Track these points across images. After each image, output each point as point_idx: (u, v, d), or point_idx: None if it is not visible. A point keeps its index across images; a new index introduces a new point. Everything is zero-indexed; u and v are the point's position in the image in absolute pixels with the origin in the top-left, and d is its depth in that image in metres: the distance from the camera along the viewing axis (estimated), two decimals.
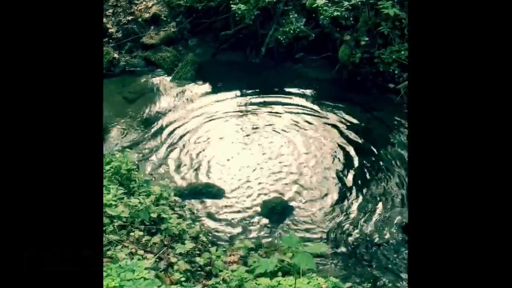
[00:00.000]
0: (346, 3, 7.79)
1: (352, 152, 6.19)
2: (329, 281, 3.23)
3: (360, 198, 5.49)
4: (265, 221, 5.15)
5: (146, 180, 4.52)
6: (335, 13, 7.72)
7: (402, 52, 7.21)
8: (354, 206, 5.37)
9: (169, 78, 8.12)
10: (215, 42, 8.81)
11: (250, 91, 7.64)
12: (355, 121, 6.83)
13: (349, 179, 5.77)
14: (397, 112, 6.89)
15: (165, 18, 9.16)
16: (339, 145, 6.32)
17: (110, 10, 9.24)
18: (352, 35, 7.75)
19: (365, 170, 5.91)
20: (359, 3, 7.75)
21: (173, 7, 9.18)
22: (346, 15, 7.80)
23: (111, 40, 8.79)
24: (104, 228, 3.33)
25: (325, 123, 6.77)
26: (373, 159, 6.09)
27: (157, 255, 3.37)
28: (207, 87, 7.87)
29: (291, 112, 7.03)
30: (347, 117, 6.92)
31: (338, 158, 6.09)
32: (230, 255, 4.03)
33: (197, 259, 3.60)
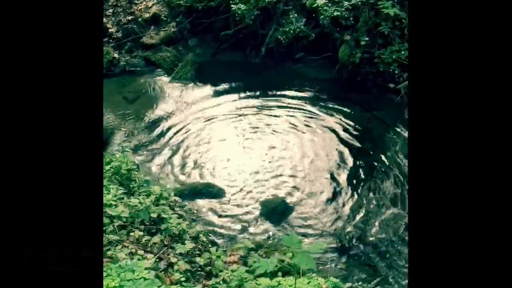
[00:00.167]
0: (346, 3, 7.79)
1: (352, 153, 6.19)
2: (329, 281, 3.23)
3: (360, 198, 5.49)
4: (265, 221, 5.15)
5: (146, 180, 4.52)
6: (335, 13, 7.71)
7: (402, 52, 7.21)
8: (354, 207, 5.37)
9: (169, 78, 8.12)
10: (215, 42, 8.80)
11: (250, 91, 7.63)
12: (355, 121, 6.83)
13: (349, 179, 5.76)
14: (397, 112, 6.89)
15: (165, 18, 9.16)
16: (339, 146, 6.32)
17: (110, 10, 9.23)
18: (352, 35, 7.75)
19: (365, 170, 5.90)
20: (359, 3, 7.74)
21: (173, 7, 9.17)
22: (346, 15, 7.80)
23: (111, 40, 8.79)
24: (104, 228, 3.33)
25: (325, 125, 6.77)
26: (373, 159, 6.08)
27: (157, 255, 3.37)
28: (207, 87, 7.87)
29: (290, 113, 7.02)
30: (347, 117, 6.92)
31: (338, 159, 6.09)
32: (230, 255, 4.02)
33: (197, 259, 3.60)
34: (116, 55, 8.46)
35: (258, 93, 7.58)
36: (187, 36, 9.08)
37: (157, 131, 6.71)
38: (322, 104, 7.25)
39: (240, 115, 7.00)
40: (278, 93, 7.56)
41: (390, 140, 6.44)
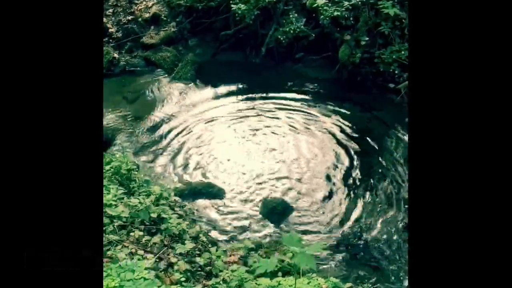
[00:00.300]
0: (346, 3, 7.79)
1: (351, 153, 6.19)
2: (329, 281, 3.22)
3: (360, 198, 5.49)
4: (265, 221, 5.15)
5: (146, 180, 4.52)
6: (335, 13, 7.71)
7: (403, 52, 7.21)
8: (354, 207, 5.37)
9: (169, 78, 8.12)
10: (215, 42, 8.80)
11: (250, 91, 7.63)
12: (355, 121, 6.83)
13: (349, 180, 5.77)
14: (397, 112, 6.89)
15: (165, 18, 9.16)
16: (338, 147, 6.32)
17: (110, 10, 9.23)
18: (352, 35, 7.75)
19: (365, 171, 5.90)
20: (359, 3, 7.74)
21: (173, 7, 9.17)
22: (346, 15, 7.80)
23: (111, 40, 8.79)
24: (104, 228, 3.33)
25: (325, 125, 6.76)
26: (373, 159, 6.08)
27: (157, 255, 3.37)
28: (207, 87, 7.87)
29: (290, 114, 7.02)
30: (347, 117, 6.92)
31: (337, 160, 6.09)
32: (230, 255, 4.02)
33: (197, 259, 3.60)
34: (116, 55, 8.46)
35: (258, 93, 7.58)
36: (187, 36, 9.08)
37: (157, 131, 6.71)
38: (322, 104, 7.25)
39: (240, 116, 6.99)
40: (278, 93, 7.56)
41: (390, 140, 6.43)
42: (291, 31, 8.14)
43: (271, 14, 8.40)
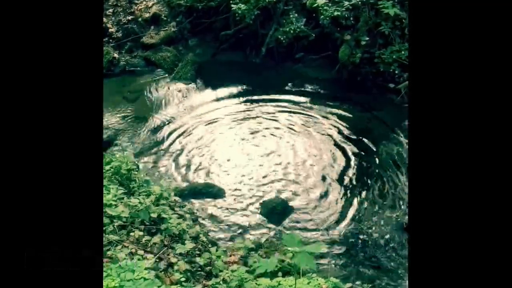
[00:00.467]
0: (346, 3, 7.79)
1: (352, 153, 6.19)
2: (329, 281, 3.22)
3: (360, 198, 5.49)
4: (265, 221, 5.15)
5: (146, 180, 4.52)
6: (336, 13, 7.71)
7: (403, 52, 7.21)
8: (354, 207, 5.37)
9: (169, 78, 8.12)
10: (215, 42, 8.80)
11: (250, 91, 7.63)
12: (355, 121, 6.83)
13: (348, 180, 5.77)
14: (397, 112, 6.89)
15: (165, 18, 9.16)
16: (338, 147, 6.31)
17: (110, 10, 9.23)
18: (352, 35, 7.75)
19: (364, 171, 5.90)
20: (360, 3, 7.74)
21: (173, 7, 9.17)
22: (346, 15, 7.80)
23: (111, 40, 8.79)
24: (104, 228, 3.33)
25: (325, 126, 6.76)
26: (373, 160, 6.08)
27: (157, 255, 3.37)
28: (207, 87, 7.87)
29: (290, 114, 7.02)
30: (347, 117, 6.92)
31: (337, 160, 6.08)
32: (230, 255, 4.02)
33: (197, 259, 3.60)
34: (116, 55, 8.46)
35: (258, 93, 7.58)
36: (187, 36, 9.08)
37: (157, 132, 6.71)
38: (322, 104, 7.25)
39: (240, 117, 6.99)
40: (278, 93, 7.56)
41: (390, 140, 6.43)
42: (291, 31, 8.14)
43: (271, 14, 8.41)
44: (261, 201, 5.39)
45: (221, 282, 3.31)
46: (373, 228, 5.07)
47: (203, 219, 5.14)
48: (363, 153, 6.18)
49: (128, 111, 7.21)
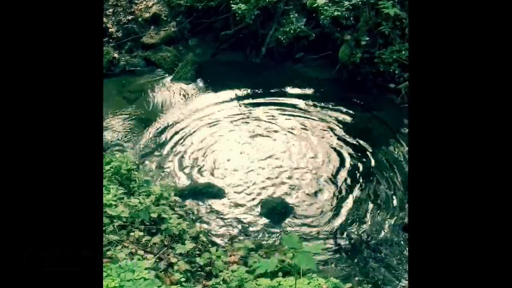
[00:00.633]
0: (346, 3, 7.79)
1: (351, 153, 6.19)
2: (329, 281, 3.22)
3: (360, 199, 5.49)
4: (265, 221, 5.15)
5: (146, 180, 4.52)
6: (336, 13, 7.71)
7: (403, 52, 7.20)
8: (354, 207, 5.36)
9: (169, 78, 8.12)
10: (215, 42, 8.80)
11: (250, 92, 7.63)
12: (355, 121, 6.83)
13: (349, 180, 5.76)
14: (397, 112, 6.89)
15: (165, 18, 9.16)
16: (338, 147, 6.31)
17: (110, 10, 9.23)
18: (352, 35, 7.75)
19: (365, 171, 5.90)
20: (360, 3, 7.74)
21: (173, 6, 9.17)
22: (346, 15, 7.80)
23: (111, 40, 8.79)
24: (104, 228, 3.33)
25: (325, 125, 6.75)
26: (373, 160, 6.08)
27: (157, 255, 3.37)
28: (207, 87, 7.87)
29: (290, 114, 7.02)
30: (347, 117, 6.92)
31: (337, 160, 6.08)
32: (230, 256, 4.02)
33: (197, 259, 3.60)
34: (116, 55, 8.46)
35: (258, 93, 7.58)
36: (187, 36, 9.08)
37: (157, 132, 6.70)
38: (323, 104, 7.24)
39: (240, 117, 6.99)
40: (278, 93, 7.55)
41: (390, 140, 6.43)
42: (291, 31, 8.14)
43: (271, 14, 8.40)
44: (261, 201, 5.39)
45: (221, 282, 3.31)
46: (373, 228, 5.07)
47: (203, 219, 5.14)
48: (363, 153, 6.18)
49: (128, 111, 7.21)
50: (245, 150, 6.27)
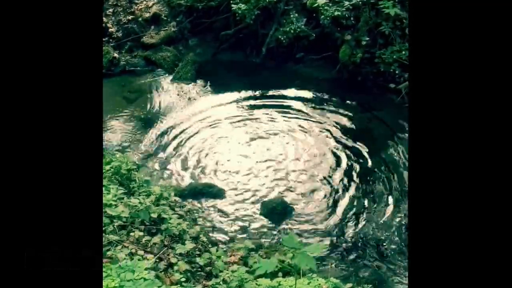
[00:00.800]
0: (346, 3, 7.78)
1: (351, 153, 6.19)
2: (329, 281, 3.22)
3: (360, 199, 5.49)
4: (265, 221, 5.15)
5: (146, 180, 4.51)
6: (336, 13, 7.71)
7: (403, 52, 7.20)
8: (354, 207, 5.36)
9: (169, 78, 8.11)
10: (216, 41, 8.80)
11: (251, 91, 7.62)
12: (355, 121, 6.82)
13: (349, 180, 5.76)
14: (398, 112, 6.88)
15: (165, 18, 9.15)
16: (337, 147, 6.31)
17: (110, 10, 9.23)
18: (353, 35, 7.74)
19: (365, 171, 5.90)
20: (360, 2, 7.74)
21: (173, 6, 9.17)
22: (346, 15, 7.80)
23: (111, 40, 8.78)
24: (104, 228, 3.32)
25: (325, 126, 6.75)
26: (373, 160, 6.08)
27: (157, 255, 3.36)
28: (207, 87, 7.87)
29: (290, 114, 7.01)
30: (348, 117, 6.91)
31: (337, 160, 6.08)
32: (230, 256, 4.02)
33: (197, 259, 3.60)
34: (116, 55, 8.46)
35: (258, 93, 7.58)
36: (188, 36, 9.07)
37: (157, 132, 6.70)
38: (323, 104, 7.24)
39: (240, 117, 6.98)
40: (279, 93, 7.55)
41: (390, 140, 6.43)
42: (292, 31, 8.14)
43: (272, 14, 8.40)
44: (261, 201, 5.39)
45: (221, 283, 3.31)
46: (373, 228, 5.07)
47: (203, 219, 5.13)
48: (363, 153, 6.17)
49: (128, 111, 7.21)
50: (246, 151, 6.27)
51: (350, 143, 6.37)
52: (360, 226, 5.10)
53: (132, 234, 3.45)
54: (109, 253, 3.09)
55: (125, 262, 2.63)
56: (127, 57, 8.57)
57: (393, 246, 4.85)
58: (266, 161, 6.06)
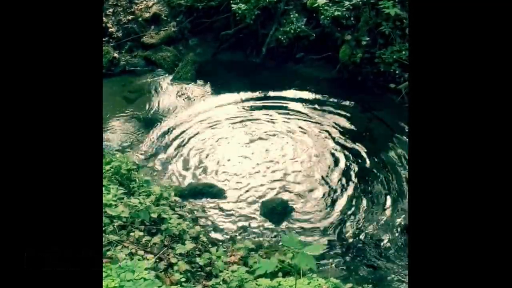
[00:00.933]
0: (347, 3, 7.78)
1: (351, 153, 6.19)
2: (329, 281, 3.22)
3: (360, 199, 5.48)
4: (265, 221, 5.15)
5: (146, 180, 4.51)
6: (336, 13, 7.71)
7: (403, 52, 7.20)
8: (354, 207, 5.36)
9: (169, 78, 8.11)
10: (216, 41, 8.80)
11: (251, 91, 7.62)
12: (355, 121, 6.82)
13: (349, 180, 5.76)
14: (398, 112, 6.88)
15: (165, 18, 9.15)
16: (338, 147, 6.31)
17: (110, 10, 9.23)
18: (353, 35, 7.74)
19: (365, 171, 5.90)
20: (360, 2, 7.74)
21: (173, 6, 9.17)
22: (347, 15, 7.80)
23: (111, 40, 8.78)
24: (104, 228, 3.32)
25: (325, 126, 6.75)
26: (373, 160, 6.08)
27: (157, 255, 3.36)
28: (207, 87, 7.87)
29: (290, 114, 7.01)
30: (348, 117, 6.91)
31: (337, 160, 6.08)
32: (230, 256, 4.02)
33: (197, 259, 3.59)
34: (116, 55, 8.46)
35: (258, 93, 7.57)
36: (188, 36, 9.07)
37: (157, 132, 6.70)
38: (323, 104, 7.24)
39: (240, 117, 6.98)
40: (279, 93, 7.55)
41: (390, 140, 6.43)
42: (292, 31, 8.14)
43: (272, 14, 8.40)
44: (261, 201, 5.39)
45: (221, 283, 3.31)
46: (373, 228, 5.07)
47: (203, 219, 5.13)
48: (363, 153, 6.17)
49: (128, 111, 7.20)
50: (246, 152, 6.27)
51: (350, 143, 6.37)
52: (361, 226, 5.10)
53: (132, 234, 3.45)
54: (109, 253, 3.09)
55: (125, 262, 2.63)
56: (127, 57, 8.57)
57: (393, 246, 4.85)
58: (266, 161, 6.06)
